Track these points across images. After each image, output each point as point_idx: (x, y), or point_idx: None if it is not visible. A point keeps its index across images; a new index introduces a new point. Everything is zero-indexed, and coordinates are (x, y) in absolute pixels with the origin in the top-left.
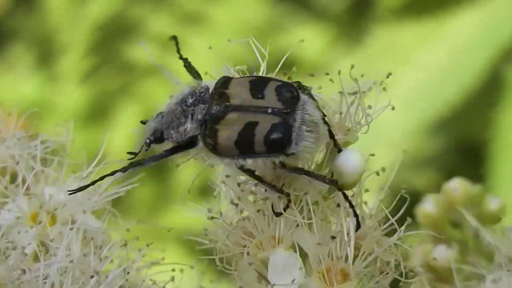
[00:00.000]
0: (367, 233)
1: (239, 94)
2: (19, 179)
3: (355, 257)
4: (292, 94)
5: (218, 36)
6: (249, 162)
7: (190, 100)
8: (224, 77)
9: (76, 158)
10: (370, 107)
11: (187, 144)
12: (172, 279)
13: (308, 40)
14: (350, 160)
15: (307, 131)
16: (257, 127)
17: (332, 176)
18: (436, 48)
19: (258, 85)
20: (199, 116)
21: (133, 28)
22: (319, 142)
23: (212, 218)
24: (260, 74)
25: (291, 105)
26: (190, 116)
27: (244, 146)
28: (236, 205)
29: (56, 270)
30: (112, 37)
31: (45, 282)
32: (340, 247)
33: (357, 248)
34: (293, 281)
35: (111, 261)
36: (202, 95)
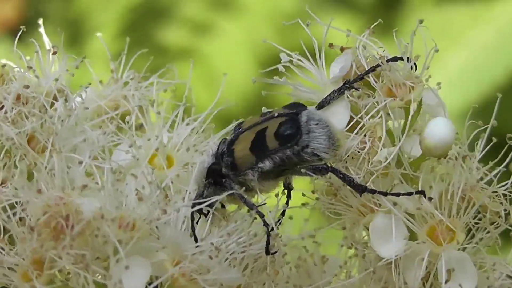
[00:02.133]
0: (472, 185)
1: (250, 121)
2: (133, 120)
3: (459, 210)
4: (299, 104)
5: (249, 22)
6: (267, 164)
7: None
8: (239, 121)
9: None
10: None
11: (214, 179)
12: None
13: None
14: (439, 131)
15: (315, 125)
16: (267, 130)
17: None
18: (484, 29)
19: (267, 112)
20: (213, 150)
21: (165, 11)
22: (330, 138)
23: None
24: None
25: (298, 109)
26: (206, 154)
27: (258, 149)
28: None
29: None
30: (143, 19)
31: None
32: (442, 204)
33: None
34: (399, 246)
35: None
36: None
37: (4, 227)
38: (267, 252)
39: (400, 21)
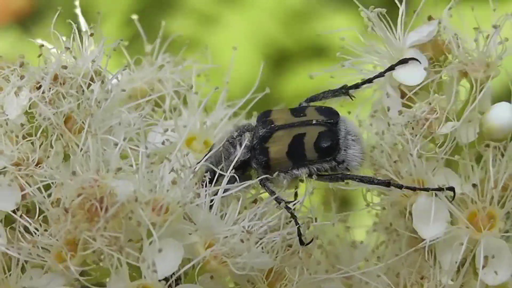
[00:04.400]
0: None
1: (282, 117)
2: (167, 103)
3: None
4: (332, 110)
5: (255, 15)
6: (302, 171)
7: (236, 133)
8: (264, 110)
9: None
10: (506, 39)
11: (241, 170)
12: None
13: (343, 26)
14: (502, 114)
15: (352, 140)
16: (305, 137)
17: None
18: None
19: (298, 109)
20: (247, 142)
21: (172, 1)
22: (363, 154)
23: None
24: None
25: (333, 117)
26: (238, 145)
27: (296, 156)
28: None
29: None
30: (150, 9)
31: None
32: (484, 191)
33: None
34: (441, 229)
35: None
36: (246, 127)
37: (38, 208)
38: (301, 243)
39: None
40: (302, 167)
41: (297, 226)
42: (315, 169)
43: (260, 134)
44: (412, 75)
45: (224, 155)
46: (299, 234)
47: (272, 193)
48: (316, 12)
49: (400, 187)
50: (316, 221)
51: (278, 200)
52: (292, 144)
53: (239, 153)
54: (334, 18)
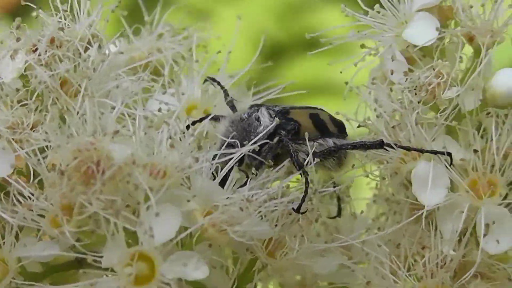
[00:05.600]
0: None
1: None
2: (166, 72)
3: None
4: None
5: (248, 9)
6: (330, 142)
7: (245, 115)
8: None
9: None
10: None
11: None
12: None
13: (336, 19)
14: (507, 80)
15: None
16: (320, 116)
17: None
18: None
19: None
20: (267, 113)
21: None
22: None
23: None
24: None
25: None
26: (261, 117)
27: (322, 127)
28: None
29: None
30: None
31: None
32: (486, 158)
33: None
34: (441, 195)
35: None
36: (251, 108)
37: (33, 172)
38: (298, 211)
39: None
40: (328, 137)
41: (304, 194)
42: (339, 141)
43: (276, 109)
44: (422, 34)
45: (248, 129)
46: (302, 201)
47: (294, 152)
48: (310, 5)
49: (393, 147)
50: (316, 191)
51: (299, 164)
52: (312, 118)
53: (267, 122)
54: (327, 11)
